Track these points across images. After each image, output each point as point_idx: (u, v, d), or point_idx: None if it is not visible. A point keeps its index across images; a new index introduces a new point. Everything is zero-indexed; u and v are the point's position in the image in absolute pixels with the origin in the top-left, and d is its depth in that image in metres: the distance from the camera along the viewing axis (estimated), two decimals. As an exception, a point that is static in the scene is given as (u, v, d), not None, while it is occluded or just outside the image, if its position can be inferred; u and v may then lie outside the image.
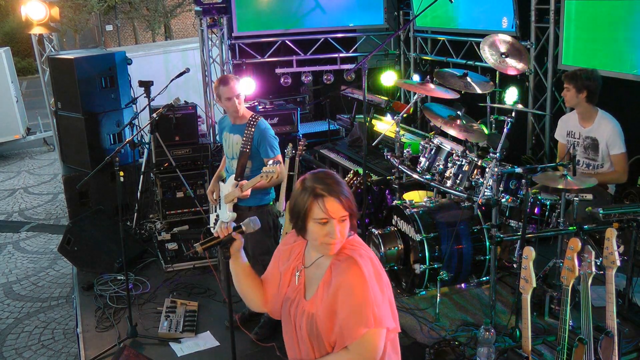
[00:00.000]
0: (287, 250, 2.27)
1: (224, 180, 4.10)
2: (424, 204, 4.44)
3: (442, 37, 7.09)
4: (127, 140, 4.67)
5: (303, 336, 2.12)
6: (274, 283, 2.27)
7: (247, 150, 3.77)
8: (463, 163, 4.17)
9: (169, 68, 9.26)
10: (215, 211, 4.10)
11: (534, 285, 2.84)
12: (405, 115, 4.94)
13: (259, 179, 3.51)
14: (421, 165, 4.44)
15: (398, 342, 2.17)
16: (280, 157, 3.87)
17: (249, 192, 3.65)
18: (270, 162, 3.52)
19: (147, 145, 6.10)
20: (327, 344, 2.07)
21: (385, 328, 2.00)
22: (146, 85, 5.68)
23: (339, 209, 1.99)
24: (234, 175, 3.85)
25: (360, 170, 4.55)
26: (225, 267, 2.27)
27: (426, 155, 4.43)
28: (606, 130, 4.20)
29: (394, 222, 4.47)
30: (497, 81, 5.63)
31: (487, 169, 3.96)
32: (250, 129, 3.78)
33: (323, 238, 2.01)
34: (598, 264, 2.86)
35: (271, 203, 3.97)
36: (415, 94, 6.07)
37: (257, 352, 3.87)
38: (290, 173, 4.98)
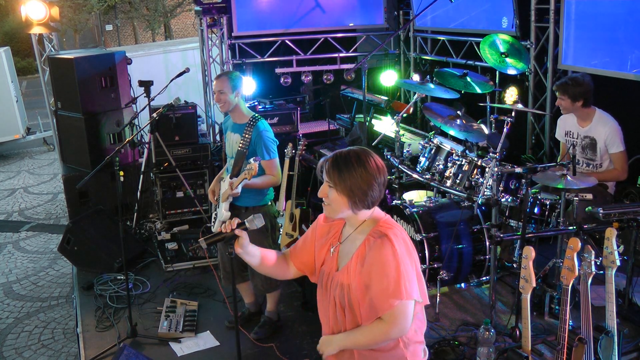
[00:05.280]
0: (327, 227, 2.42)
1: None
2: (424, 203, 4.44)
3: (442, 37, 7.09)
4: (127, 140, 4.66)
5: (337, 307, 2.27)
6: (306, 250, 2.45)
7: (244, 150, 3.75)
8: (463, 163, 4.17)
9: (169, 68, 9.26)
10: (215, 210, 4.10)
11: (534, 285, 2.85)
12: (405, 115, 4.94)
13: (242, 177, 3.52)
14: (421, 164, 4.44)
15: (424, 314, 2.34)
16: (276, 161, 3.80)
17: (239, 190, 3.63)
18: (252, 160, 3.50)
19: (146, 145, 6.10)
20: (359, 315, 2.21)
21: (413, 300, 2.16)
22: (146, 85, 5.67)
23: (325, 174, 2.23)
24: (230, 174, 3.84)
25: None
26: (230, 264, 2.32)
27: (426, 155, 4.43)
28: (604, 129, 4.20)
29: (394, 222, 4.46)
30: (497, 81, 5.63)
31: (487, 169, 3.96)
32: (249, 129, 3.76)
33: None
34: (598, 263, 2.86)
35: (269, 203, 3.94)
36: (415, 93, 6.07)
37: (257, 352, 3.87)
38: (290, 173, 4.98)
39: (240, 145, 3.76)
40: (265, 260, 2.45)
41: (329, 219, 2.40)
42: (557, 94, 4.33)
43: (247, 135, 3.74)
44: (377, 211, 2.29)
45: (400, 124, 4.97)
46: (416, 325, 2.27)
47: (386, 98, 6.62)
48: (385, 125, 6.06)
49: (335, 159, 2.21)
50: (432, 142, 4.40)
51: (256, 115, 3.84)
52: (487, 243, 4.16)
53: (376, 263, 2.14)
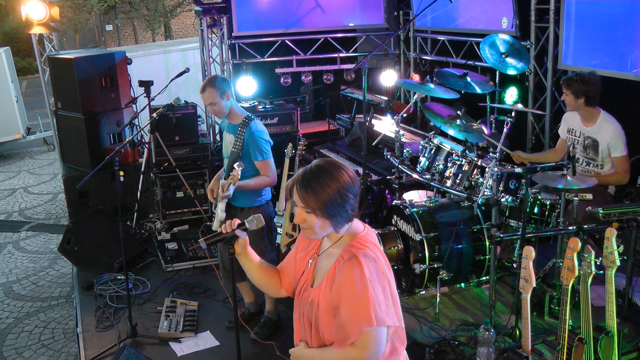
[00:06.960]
0: (307, 240, 2.33)
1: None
2: (424, 203, 4.44)
3: (442, 37, 7.09)
4: (127, 140, 4.66)
5: (305, 321, 2.21)
6: (290, 270, 2.36)
7: (238, 152, 3.72)
8: (463, 163, 4.17)
9: (169, 68, 9.27)
10: (215, 209, 4.10)
11: (534, 285, 2.85)
12: (405, 115, 4.94)
13: (229, 182, 3.51)
14: (421, 165, 4.44)
15: (404, 333, 2.23)
16: (269, 162, 3.76)
17: (230, 192, 3.61)
18: (235, 165, 3.48)
19: (146, 145, 6.11)
20: (324, 337, 2.13)
21: (386, 326, 2.05)
22: (146, 85, 5.67)
23: (297, 198, 2.08)
24: (225, 175, 3.82)
25: (361, 170, 4.58)
26: (230, 263, 2.30)
27: (426, 155, 4.43)
28: (608, 132, 4.19)
29: (393, 222, 4.47)
30: (497, 81, 5.64)
31: (487, 169, 3.96)
32: (242, 130, 3.71)
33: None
34: (598, 263, 2.86)
35: (265, 204, 3.91)
36: (415, 93, 6.07)
37: (257, 352, 3.87)
38: (290, 173, 4.98)
39: (234, 146, 3.74)
40: (261, 271, 2.39)
41: None
42: (562, 88, 4.32)
43: (240, 137, 3.70)
44: (355, 224, 2.18)
45: (400, 124, 4.96)
46: (395, 344, 2.17)
47: (386, 98, 6.62)
48: (385, 125, 6.06)
49: (305, 181, 2.05)
50: (432, 142, 4.41)
51: (250, 115, 3.78)
52: (487, 243, 4.17)
53: (344, 286, 2.04)
